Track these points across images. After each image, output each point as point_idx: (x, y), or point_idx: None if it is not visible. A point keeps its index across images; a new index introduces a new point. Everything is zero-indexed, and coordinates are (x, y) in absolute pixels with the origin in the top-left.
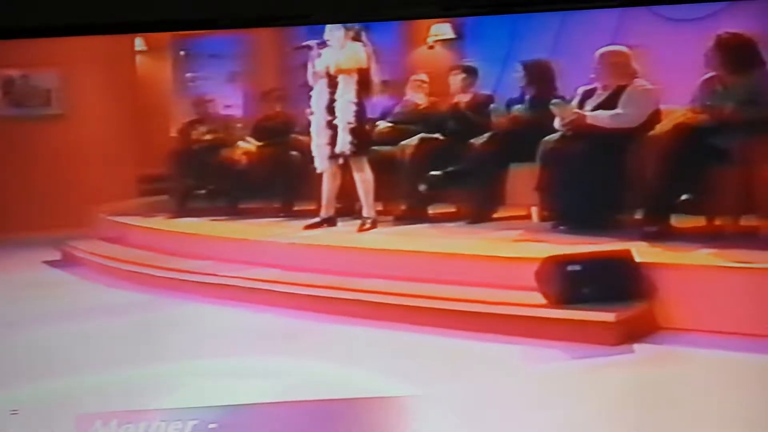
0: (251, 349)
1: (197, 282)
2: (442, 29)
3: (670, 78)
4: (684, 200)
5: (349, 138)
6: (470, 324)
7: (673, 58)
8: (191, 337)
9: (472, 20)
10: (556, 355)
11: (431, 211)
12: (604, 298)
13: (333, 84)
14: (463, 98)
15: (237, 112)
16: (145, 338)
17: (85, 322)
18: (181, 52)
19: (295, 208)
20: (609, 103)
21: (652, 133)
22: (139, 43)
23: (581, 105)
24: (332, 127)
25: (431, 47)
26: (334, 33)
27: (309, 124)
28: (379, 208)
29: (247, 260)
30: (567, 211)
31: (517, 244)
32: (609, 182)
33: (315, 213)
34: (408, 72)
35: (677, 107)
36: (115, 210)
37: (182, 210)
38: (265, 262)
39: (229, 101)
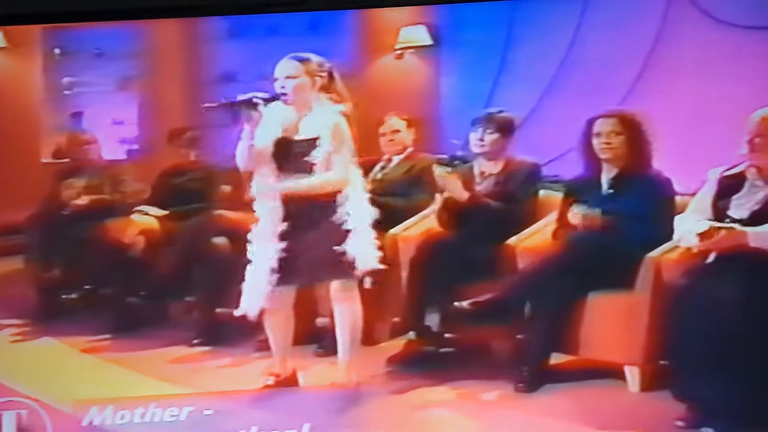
0: None
1: None
2: (414, 33)
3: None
4: None
5: (377, 252)
6: None
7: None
8: None
9: (452, 22)
10: None
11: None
12: None
13: (286, 172)
14: (492, 169)
15: (130, 132)
16: None
17: None
18: (56, 50)
19: (218, 311)
20: None
21: None
22: None
23: (720, 203)
24: (289, 243)
25: (400, 56)
26: (290, 81)
27: (238, 180)
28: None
29: None
30: (708, 394)
31: None
32: None
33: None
34: (368, 89)
35: None
36: None
37: (44, 317)
38: None
39: (120, 115)
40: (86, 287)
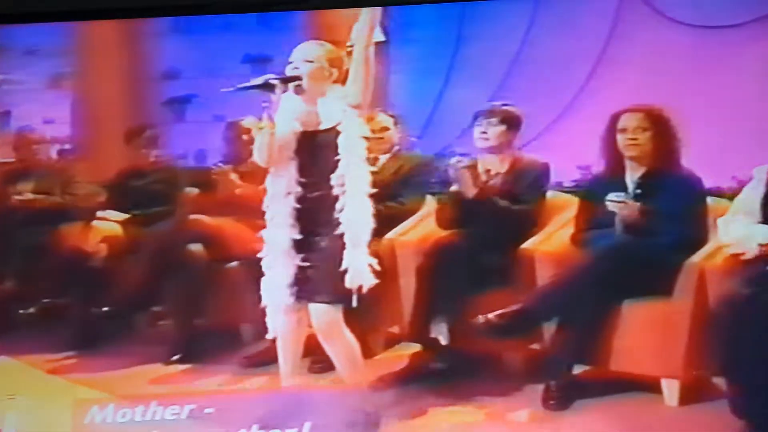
0: None
1: None
2: None
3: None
4: None
5: (369, 259)
6: None
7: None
8: None
9: (403, 20)
10: None
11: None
12: None
13: (309, 169)
14: (499, 167)
15: (61, 131)
16: None
17: None
18: None
19: (197, 322)
20: None
21: None
22: None
23: None
24: (309, 252)
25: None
26: (307, 66)
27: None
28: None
29: None
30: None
31: None
32: None
33: (232, 334)
34: None
35: None
36: None
37: None
38: None
39: (51, 114)
40: (44, 300)
